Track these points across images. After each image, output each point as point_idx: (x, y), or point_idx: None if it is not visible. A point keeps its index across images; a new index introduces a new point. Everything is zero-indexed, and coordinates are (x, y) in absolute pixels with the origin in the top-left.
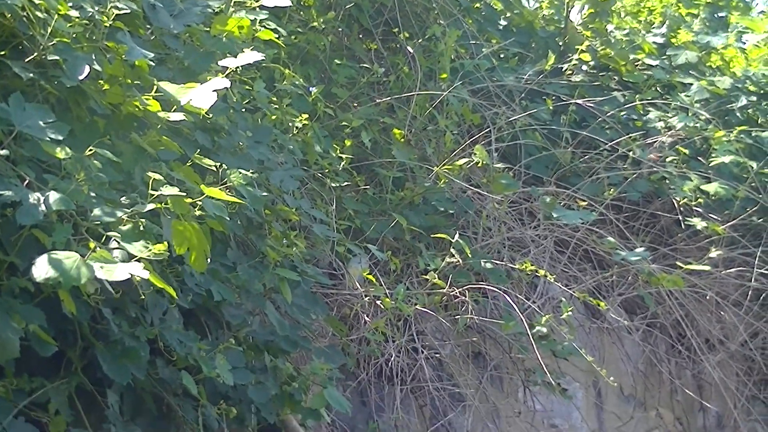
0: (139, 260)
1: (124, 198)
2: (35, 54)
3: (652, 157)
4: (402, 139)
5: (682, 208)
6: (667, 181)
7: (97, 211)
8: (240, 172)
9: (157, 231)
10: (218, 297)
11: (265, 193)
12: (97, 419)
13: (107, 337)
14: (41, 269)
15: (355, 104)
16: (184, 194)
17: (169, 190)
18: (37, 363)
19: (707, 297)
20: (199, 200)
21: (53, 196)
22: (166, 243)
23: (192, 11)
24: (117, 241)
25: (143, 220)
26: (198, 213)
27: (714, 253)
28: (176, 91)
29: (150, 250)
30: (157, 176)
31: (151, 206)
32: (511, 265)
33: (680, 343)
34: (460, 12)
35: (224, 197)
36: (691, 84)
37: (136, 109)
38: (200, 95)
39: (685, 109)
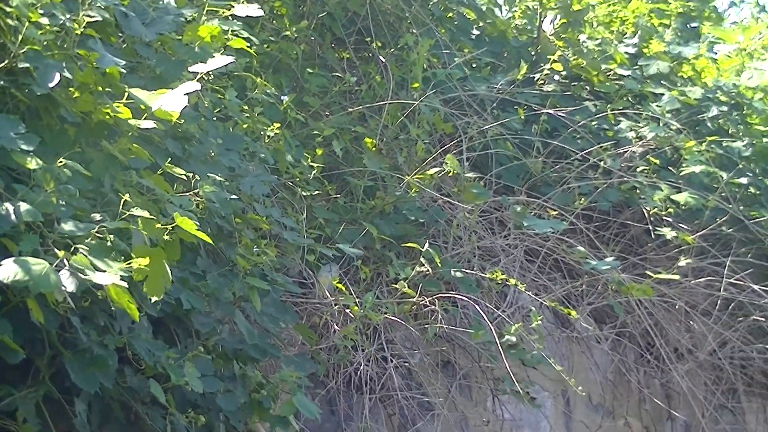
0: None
1: (94, 211)
2: (5, 62)
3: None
4: (373, 148)
5: (652, 218)
6: (638, 191)
7: (65, 226)
8: (210, 178)
9: (124, 247)
10: (187, 305)
11: (234, 197)
12: (66, 428)
13: (75, 345)
14: (7, 270)
15: (327, 113)
16: (155, 218)
17: (141, 212)
18: (5, 371)
19: (676, 306)
20: (170, 226)
21: (23, 206)
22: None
23: (164, 19)
24: (84, 254)
25: (111, 236)
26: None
27: (683, 263)
28: (147, 97)
29: (118, 265)
30: (128, 197)
31: (120, 224)
32: (482, 274)
33: (649, 353)
34: (433, 21)
35: (195, 232)
36: (663, 94)
37: (107, 117)
38: (171, 100)
39: (656, 119)
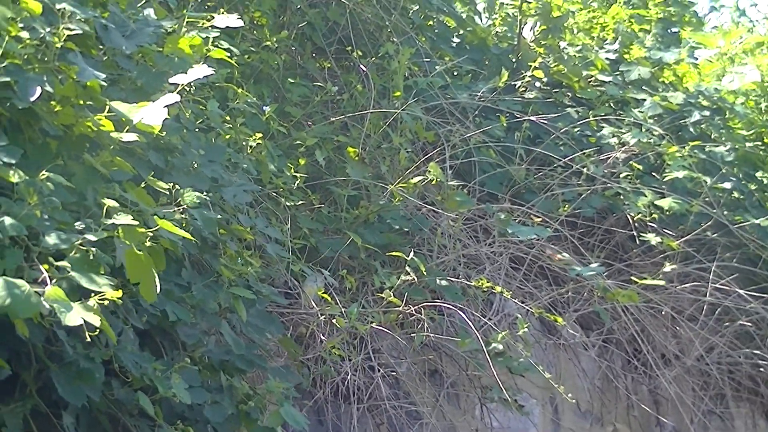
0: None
1: (78, 223)
2: None
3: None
4: (356, 158)
5: (636, 224)
6: (622, 197)
7: (49, 239)
8: (194, 194)
9: (107, 260)
10: (173, 317)
11: (219, 216)
12: None
13: (62, 358)
14: None
15: (309, 123)
16: (137, 223)
17: (122, 219)
18: None
19: (663, 312)
20: (152, 231)
21: (7, 220)
22: (120, 291)
23: (144, 31)
24: (67, 271)
25: (94, 249)
26: (152, 234)
27: (668, 268)
28: (128, 110)
29: (103, 284)
30: (111, 203)
31: (103, 234)
32: (467, 282)
33: (636, 359)
34: (413, 30)
35: (178, 231)
36: (644, 100)
37: (89, 130)
38: (151, 112)
39: (639, 124)
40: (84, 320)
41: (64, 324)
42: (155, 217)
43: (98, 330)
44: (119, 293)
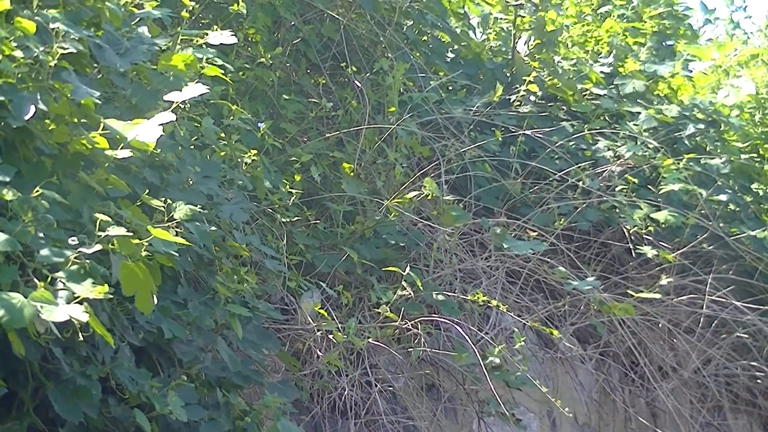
0: (82, 301)
1: (72, 238)
2: None
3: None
4: (352, 173)
5: (632, 237)
6: (617, 210)
7: (43, 252)
8: (188, 207)
9: (103, 272)
10: (169, 334)
11: (214, 228)
12: None
13: (58, 376)
14: None
15: (305, 139)
16: (131, 234)
17: (116, 230)
18: None
19: (659, 325)
20: (146, 241)
21: (1, 236)
22: (106, 286)
23: (138, 49)
24: (62, 281)
25: (88, 261)
26: (147, 250)
27: (665, 281)
28: (123, 127)
29: (94, 290)
30: (104, 217)
31: (98, 247)
32: (463, 297)
33: (633, 372)
34: (408, 45)
35: (171, 238)
36: (639, 113)
37: (84, 148)
38: (146, 130)
39: (634, 137)
40: (73, 320)
41: (50, 320)
42: (149, 227)
43: (94, 345)
44: (105, 288)
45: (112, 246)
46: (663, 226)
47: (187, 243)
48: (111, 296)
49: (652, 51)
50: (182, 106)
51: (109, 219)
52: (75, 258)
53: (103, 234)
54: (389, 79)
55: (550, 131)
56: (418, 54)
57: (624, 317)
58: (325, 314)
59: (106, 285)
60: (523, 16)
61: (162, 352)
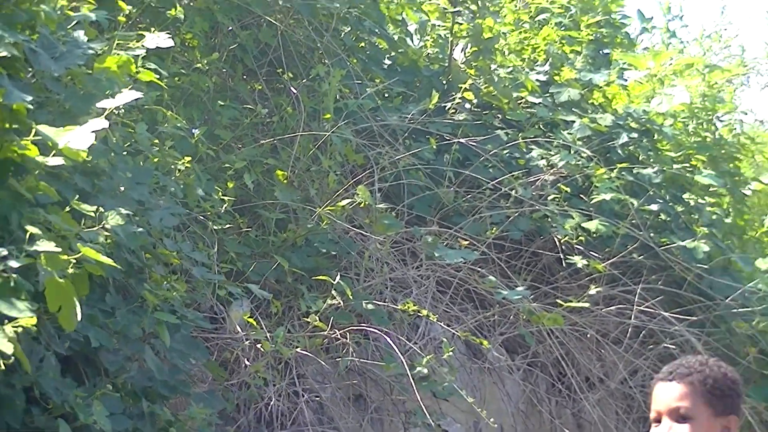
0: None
1: (0, 249)
2: None
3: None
4: (285, 181)
5: (563, 246)
6: (549, 220)
7: None
8: (119, 216)
9: (28, 287)
10: (95, 343)
11: (142, 230)
12: None
13: None
14: None
15: (239, 145)
16: (59, 250)
17: (44, 245)
18: None
19: (588, 335)
20: (74, 258)
21: None
22: (34, 317)
23: (74, 53)
24: None
25: (15, 276)
26: (76, 259)
27: (594, 291)
28: (55, 133)
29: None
30: (34, 229)
31: (25, 261)
32: (394, 306)
33: (560, 382)
34: (345, 52)
35: (101, 258)
36: (574, 121)
37: (14, 154)
38: (78, 137)
39: (567, 146)
40: None
41: None
42: (78, 244)
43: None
44: (34, 320)
45: (38, 261)
46: (594, 235)
47: (114, 265)
48: (37, 305)
49: (588, 59)
50: (116, 112)
51: (39, 231)
52: (1, 271)
53: (31, 248)
54: (325, 86)
55: (484, 139)
56: (355, 60)
57: (553, 327)
58: (254, 323)
59: (34, 317)
60: (461, 24)
61: (88, 362)
